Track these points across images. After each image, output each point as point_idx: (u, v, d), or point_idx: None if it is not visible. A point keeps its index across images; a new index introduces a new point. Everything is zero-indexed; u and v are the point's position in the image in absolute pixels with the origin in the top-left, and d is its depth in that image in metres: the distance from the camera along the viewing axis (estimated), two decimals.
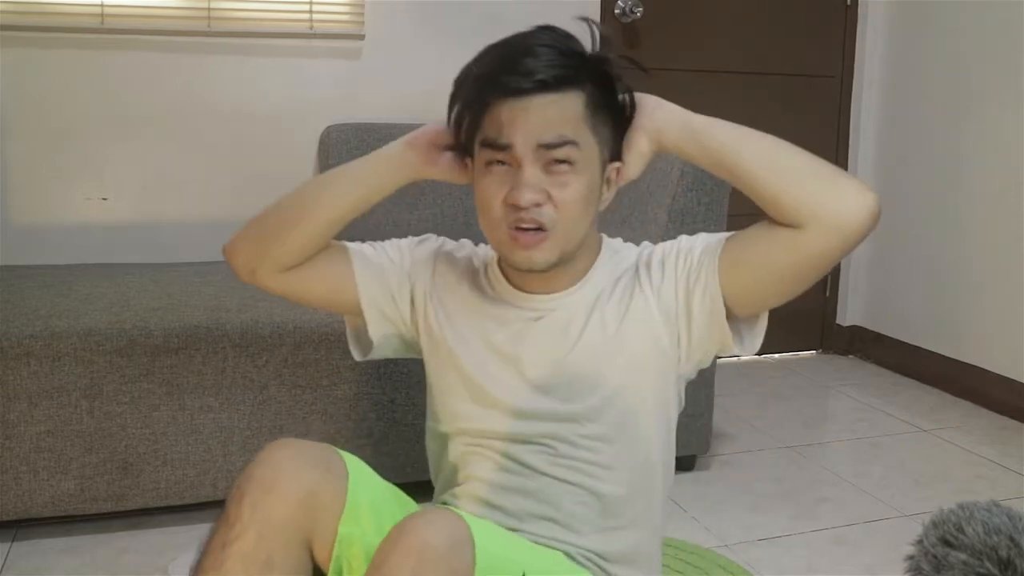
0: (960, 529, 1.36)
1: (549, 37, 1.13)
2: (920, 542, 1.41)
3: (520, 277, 1.20)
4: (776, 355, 3.27)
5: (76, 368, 1.76)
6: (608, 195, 1.18)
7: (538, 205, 1.09)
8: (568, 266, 1.17)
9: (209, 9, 2.47)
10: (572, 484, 1.17)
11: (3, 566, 1.74)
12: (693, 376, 1.25)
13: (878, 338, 3.21)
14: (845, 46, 3.19)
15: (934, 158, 2.96)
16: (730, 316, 1.16)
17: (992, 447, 2.44)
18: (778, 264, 1.11)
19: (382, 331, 1.28)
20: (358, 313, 1.28)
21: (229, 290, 2.01)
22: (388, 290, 1.28)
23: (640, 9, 2.87)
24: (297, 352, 1.86)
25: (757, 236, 1.14)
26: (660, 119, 1.16)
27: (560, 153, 1.09)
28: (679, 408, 1.26)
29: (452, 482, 1.24)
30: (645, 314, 1.17)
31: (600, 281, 1.20)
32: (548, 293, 1.19)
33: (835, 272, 3.30)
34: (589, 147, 1.12)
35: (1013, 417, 2.67)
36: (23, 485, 1.77)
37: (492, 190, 1.12)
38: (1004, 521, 1.36)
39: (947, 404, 2.81)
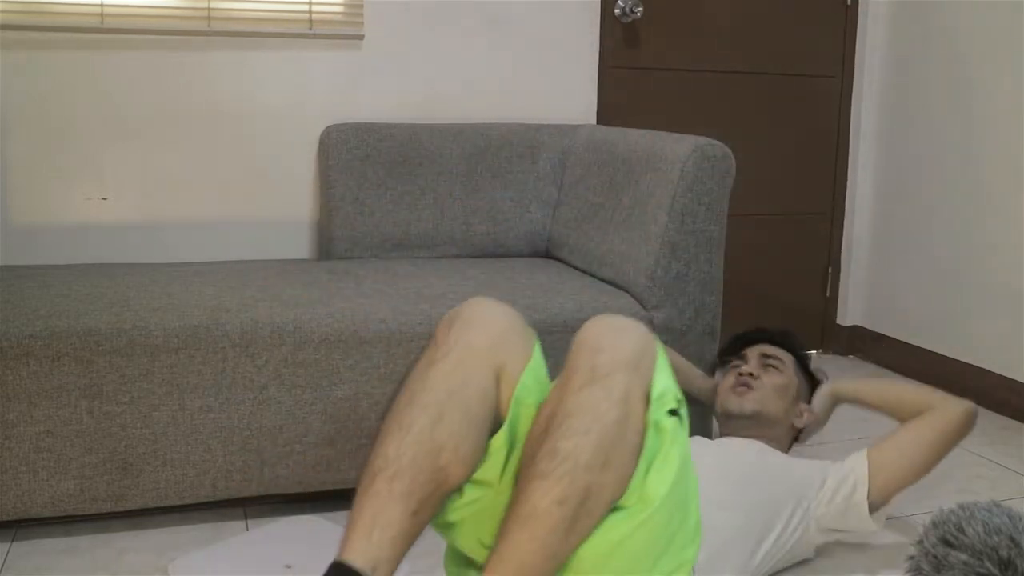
0: (960, 529, 1.36)
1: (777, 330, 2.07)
2: (920, 542, 1.41)
3: (727, 427, 1.91)
4: None
5: (76, 368, 1.76)
6: (799, 422, 1.92)
7: (752, 376, 1.88)
8: (758, 428, 1.85)
9: (209, 9, 2.47)
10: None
11: (3, 566, 1.74)
12: (818, 540, 1.75)
13: (878, 338, 3.21)
14: (845, 46, 3.19)
15: (934, 158, 2.97)
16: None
17: (992, 447, 2.44)
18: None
19: None
20: None
21: (229, 290, 2.01)
22: None
23: (640, 9, 2.87)
24: (297, 352, 1.86)
25: (898, 446, 1.78)
26: (836, 387, 1.98)
27: (770, 360, 1.93)
28: (797, 550, 1.71)
29: None
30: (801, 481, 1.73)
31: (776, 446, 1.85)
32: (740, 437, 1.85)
33: (835, 272, 3.30)
34: (789, 372, 1.93)
35: (1013, 417, 2.67)
36: (23, 485, 1.77)
37: (729, 375, 1.93)
38: (1004, 521, 1.36)
39: None
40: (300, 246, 2.65)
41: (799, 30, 3.12)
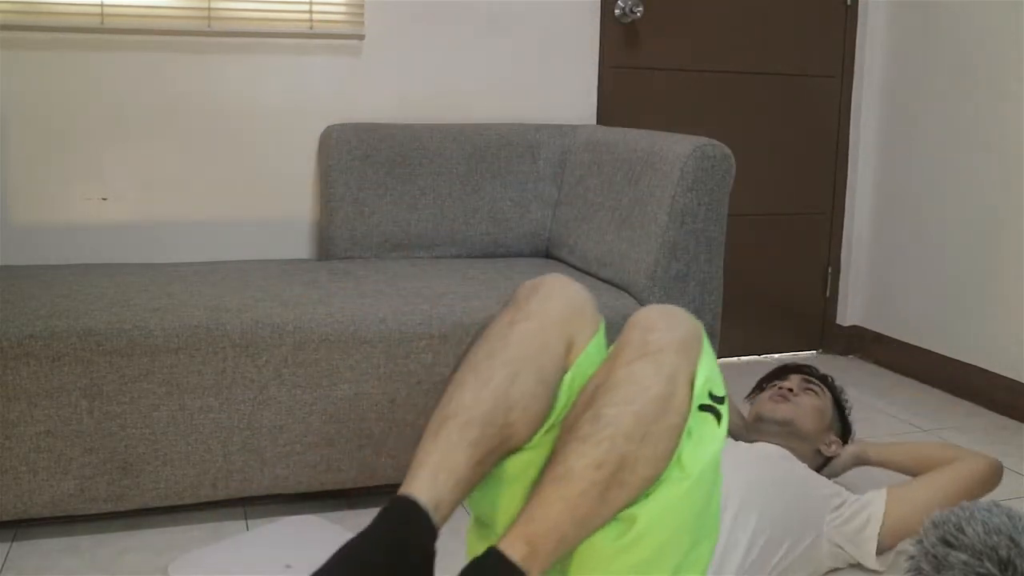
0: (960, 529, 1.36)
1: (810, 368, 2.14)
2: (920, 542, 1.41)
3: (757, 432, 1.95)
4: (776, 355, 3.27)
5: (76, 368, 1.76)
6: (826, 450, 1.97)
7: (791, 391, 1.99)
8: (788, 440, 1.89)
9: (209, 9, 2.47)
10: None
11: (3, 566, 1.74)
12: (826, 563, 1.73)
13: (878, 338, 3.21)
14: (845, 46, 3.19)
15: (934, 158, 2.97)
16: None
17: (992, 447, 2.44)
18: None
19: None
20: None
21: (229, 290, 2.02)
22: None
23: (640, 9, 2.87)
24: (297, 352, 1.86)
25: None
26: (862, 450, 2.02)
27: (811, 385, 2.03)
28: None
29: None
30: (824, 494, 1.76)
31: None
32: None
33: (835, 272, 3.30)
34: (825, 402, 2.01)
35: (1013, 417, 2.67)
36: (23, 485, 1.77)
37: (771, 388, 2.06)
38: (1004, 521, 1.36)
39: (947, 404, 2.81)
40: (300, 246, 2.65)
41: (799, 30, 3.12)
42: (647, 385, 1.18)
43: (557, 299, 1.31)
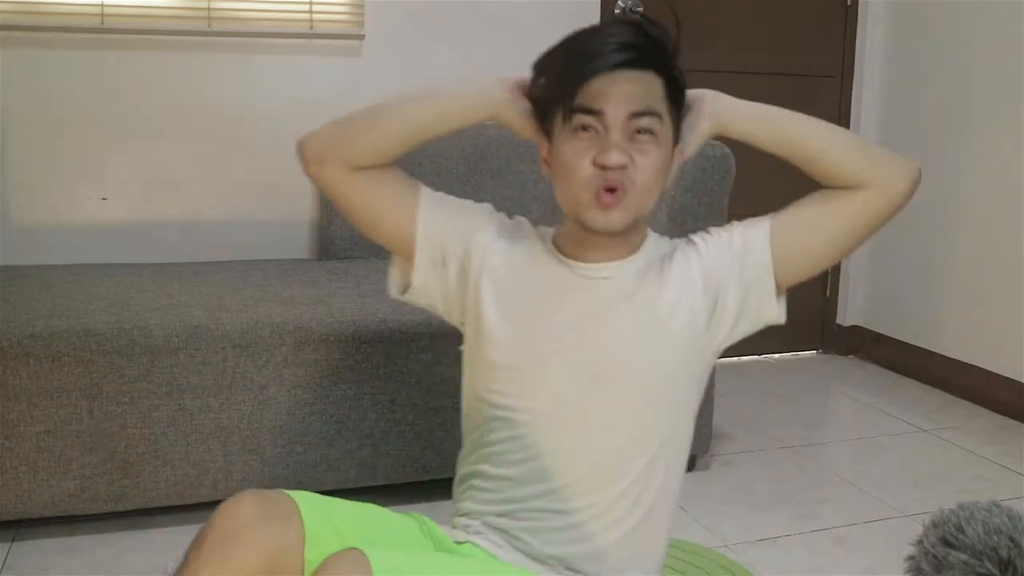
0: (960, 529, 1.36)
1: (628, 23, 1.32)
2: (920, 542, 1.41)
3: (576, 249, 1.25)
4: (776, 355, 3.27)
5: (76, 368, 1.76)
6: (671, 175, 1.27)
7: (623, 167, 1.17)
8: (626, 237, 1.24)
9: (209, 9, 2.47)
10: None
11: (3, 566, 1.74)
12: (711, 361, 1.33)
13: (878, 338, 3.21)
14: (845, 46, 3.19)
15: (934, 158, 2.96)
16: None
17: (992, 447, 2.44)
18: (834, 224, 1.29)
19: (426, 279, 1.33)
20: (409, 250, 1.33)
21: (229, 290, 2.02)
22: (444, 240, 1.31)
23: (640, 9, 2.86)
24: (297, 352, 1.86)
25: (814, 203, 1.31)
26: (723, 107, 1.33)
27: (645, 122, 1.20)
28: (699, 402, 1.35)
29: (477, 446, 1.27)
30: (687, 284, 1.26)
31: (648, 255, 1.27)
32: (600, 263, 1.25)
33: (835, 272, 3.30)
34: (666, 124, 1.23)
35: (1013, 417, 2.67)
36: (23, 485, 1.77)
37: (581, 153, 1.18)
38: (1004, 521, 1.36)
39: (947, 404, 2.81)
40: (300, 246, 2.65)
41: (799, 30, 3.12)
42: None
43: (233, 544, 1.13)
